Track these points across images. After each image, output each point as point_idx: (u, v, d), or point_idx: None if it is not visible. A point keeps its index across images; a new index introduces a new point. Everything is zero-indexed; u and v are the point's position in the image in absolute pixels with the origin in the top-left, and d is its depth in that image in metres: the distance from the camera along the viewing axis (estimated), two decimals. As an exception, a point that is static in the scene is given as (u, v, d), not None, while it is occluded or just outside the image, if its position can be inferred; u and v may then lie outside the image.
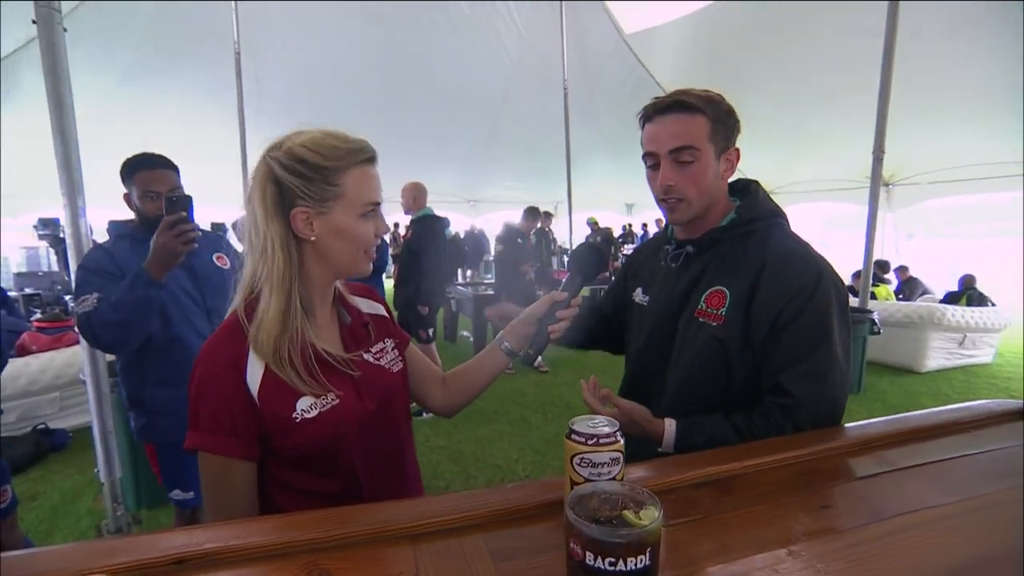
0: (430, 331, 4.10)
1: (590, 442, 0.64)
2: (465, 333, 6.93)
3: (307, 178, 0.81)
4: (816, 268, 0.97)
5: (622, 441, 0.65)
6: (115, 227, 1.72)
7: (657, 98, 0.99)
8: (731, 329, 0.97)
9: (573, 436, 0.65)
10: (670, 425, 0.97)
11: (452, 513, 0.69)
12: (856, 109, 5.45)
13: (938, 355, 5.39)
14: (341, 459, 0.86)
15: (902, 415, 1.05)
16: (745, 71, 6.24)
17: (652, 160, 1.00)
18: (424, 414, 3.52)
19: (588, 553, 0.48)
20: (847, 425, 1.01)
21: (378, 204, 0.88)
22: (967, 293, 6.01)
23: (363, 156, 0.85)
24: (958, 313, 5.37)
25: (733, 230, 1.03)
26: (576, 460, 0.64)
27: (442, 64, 6.81)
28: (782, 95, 6.39)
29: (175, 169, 1.66)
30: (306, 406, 0.82)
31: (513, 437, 3.78)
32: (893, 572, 0.58)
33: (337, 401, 0.84)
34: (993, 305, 5.84)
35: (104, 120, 5.54)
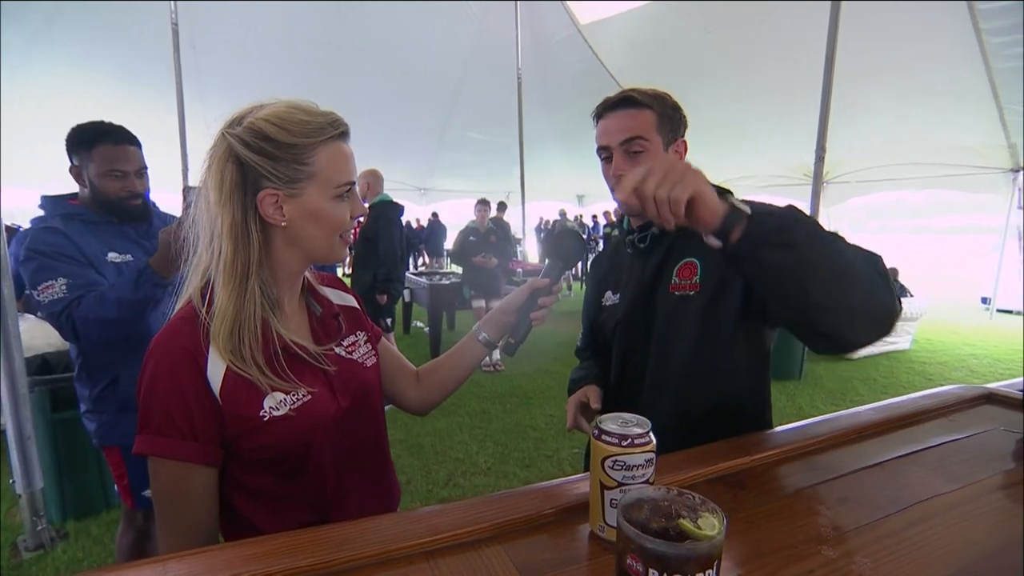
0: (389, 321, 3.97)
1: (624, 443, 0.59)
2: (419, 324, 6.79)
3: (274, 157, 0.72)
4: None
5: (655, 441, 0.61)
6: (56, 206, 1.50)
7: (609, 97, 1.06)
8: (708, 292, 1.03)
9: (604, 437, 0.60)
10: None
11: (466, 525, 0.63)
12: (793, 107, 5.70)
13: (866, 342, 5.80)
14: (312, 459, 0.79)
15: (885, 402, 1.08)
16: (694, 64, 6.39)
17: (605, 153, 1.07)
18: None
19: (652, 570, 0.44)
20: (838, 414, 1.03)
21: (353, 183, 0.79)
22: (891, 284, 6.49)
23: (335, 131, 0.76)
24: (885, 303, 5.80)
25: None
26: (608, 463, 0.59)
27: (394, 48, 6.54)
28: (728, 90, 6.59)
29: (139, 145, 1.49)
30: (275, 403, 0.74)
31: (473, 429, 3.73)
32: (932, 563, 0.58)
33: (309, 397, 0.77)
34: (911, 296, 6.35)
35: (4, 88, 4.91)
